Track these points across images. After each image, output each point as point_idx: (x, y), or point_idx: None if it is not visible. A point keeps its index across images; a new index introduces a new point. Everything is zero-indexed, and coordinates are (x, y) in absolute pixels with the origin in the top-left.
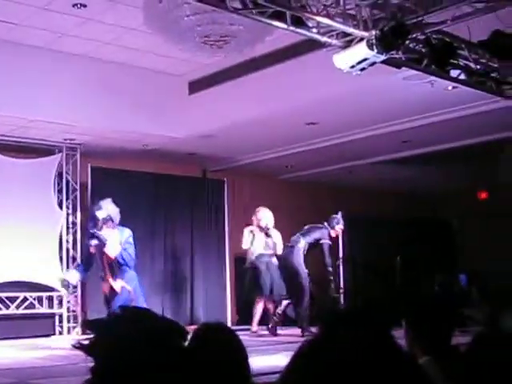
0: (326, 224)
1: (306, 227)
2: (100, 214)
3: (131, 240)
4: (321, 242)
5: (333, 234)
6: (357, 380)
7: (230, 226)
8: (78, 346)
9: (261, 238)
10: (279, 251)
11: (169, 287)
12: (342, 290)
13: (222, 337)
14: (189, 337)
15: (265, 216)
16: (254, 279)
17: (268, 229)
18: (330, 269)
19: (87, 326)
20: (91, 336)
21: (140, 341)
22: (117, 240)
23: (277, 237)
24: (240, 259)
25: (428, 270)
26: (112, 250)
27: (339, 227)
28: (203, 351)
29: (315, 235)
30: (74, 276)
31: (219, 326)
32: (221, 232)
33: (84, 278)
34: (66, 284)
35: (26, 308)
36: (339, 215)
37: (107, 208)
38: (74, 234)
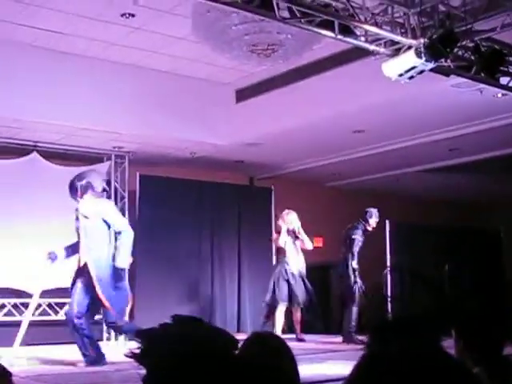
0: (360, 220)
1: (343, 233)
2: (80, 183)
3: (115, 209)
4: (352, 237)
5: (369, 228)
6: None
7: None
8: (130, 355)
9: (290, 242)
10: (309, 245)
11: (216, 295)
12: (389, 299)
13: (272, 346)
14: (238, 346)
15: (293, 219)
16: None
17: (298, 232)
18: (353, 264)
19: (138, 335)
20: (142, 345)
21: (191, 350)
22: (98, 211)
23: (304, 235)
24: None
25: (476, 278)
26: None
27: (373, 221)
28: (254, 360)
29: (351, 236)
30: (61, 252)
31: (269, 334)
32: (268, 238)
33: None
34: (51, 257)
35: None
36: (373, 209)
37: (89, 175)
38: None
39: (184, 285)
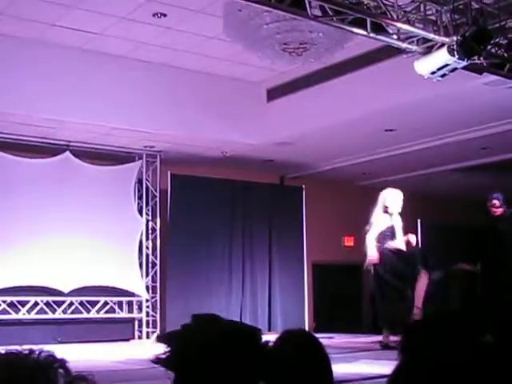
0: None
1: None
2: None
3: None
4: None
5: (493, 213)
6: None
7: (308, 232)
8: (156, 361)
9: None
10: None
11: (247, 293)
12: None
13: (302, 342)
14: (263, 337)
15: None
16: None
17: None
18: None
19: (161, 340)
20: (166, 349)
21: (213, 349)
22: None
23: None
24: (317, 266)
25: (508, 277)
26: None
27: (491, 204)
28: (287, 357)
29: None
30: None
31: (301, 332)
32: (299, 239)
33: None
34: None
35: (106, 312)
36: (492, 194)
37: None
38: (154, 240)
39: (215, 284)
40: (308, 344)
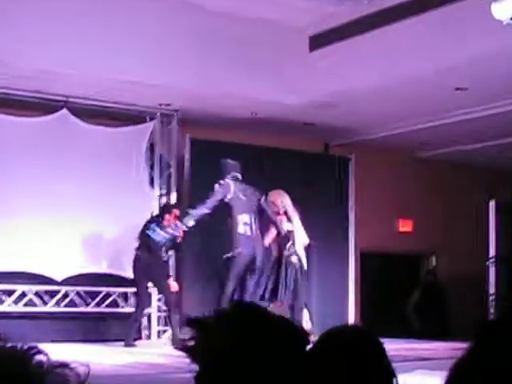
0: None
1: None
2: None
3: None
4: None
5: None
6: None
7: (356, 212)
8: (181, 348)
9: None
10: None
11: None
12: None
13: (349, 341)
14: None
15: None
16: None
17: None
18: None
19: (190, 324)
20: (196, 337)
21: (251, 345)
22: None
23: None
24: (366, 255)
25: None
26: None
27: None
28: (326, 357)
29: None
30: None
31: (350, 328)
32: (343, 221)
33: None
34: None
35: (108, 306)
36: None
37: None
38: None
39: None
40: (360, 345)
